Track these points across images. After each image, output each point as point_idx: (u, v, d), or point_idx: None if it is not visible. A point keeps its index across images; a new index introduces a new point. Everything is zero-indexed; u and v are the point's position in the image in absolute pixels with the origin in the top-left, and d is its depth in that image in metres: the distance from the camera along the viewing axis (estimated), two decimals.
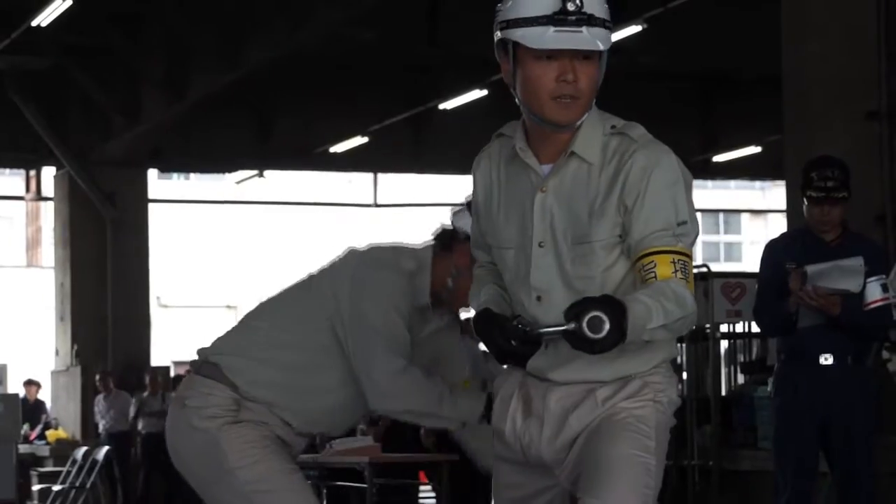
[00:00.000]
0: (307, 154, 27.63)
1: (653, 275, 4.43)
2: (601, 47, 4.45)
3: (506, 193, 4.72)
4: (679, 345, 13.45)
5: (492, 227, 4.76)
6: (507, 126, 4.78)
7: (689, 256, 4.50)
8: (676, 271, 4.43)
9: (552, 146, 4.60)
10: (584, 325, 4.22)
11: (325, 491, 13.96)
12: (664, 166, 4.52)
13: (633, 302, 4.32)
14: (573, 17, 4.38)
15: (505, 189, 4.73)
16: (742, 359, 15.57)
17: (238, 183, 30.74)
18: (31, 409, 25.99)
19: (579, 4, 4.39)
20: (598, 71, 4.53)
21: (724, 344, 15.39)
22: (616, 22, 4.66)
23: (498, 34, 4.55)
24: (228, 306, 42.58)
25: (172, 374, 26.19)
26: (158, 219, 28.02)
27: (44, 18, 19.90)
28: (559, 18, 4.38)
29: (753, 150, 28.04)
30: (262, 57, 21.22)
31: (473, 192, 4.88)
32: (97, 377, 24.85)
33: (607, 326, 4.21)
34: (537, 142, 4.62)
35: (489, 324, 4.54)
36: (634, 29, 19.91)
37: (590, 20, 4.41)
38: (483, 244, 4.87)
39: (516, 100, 4.62)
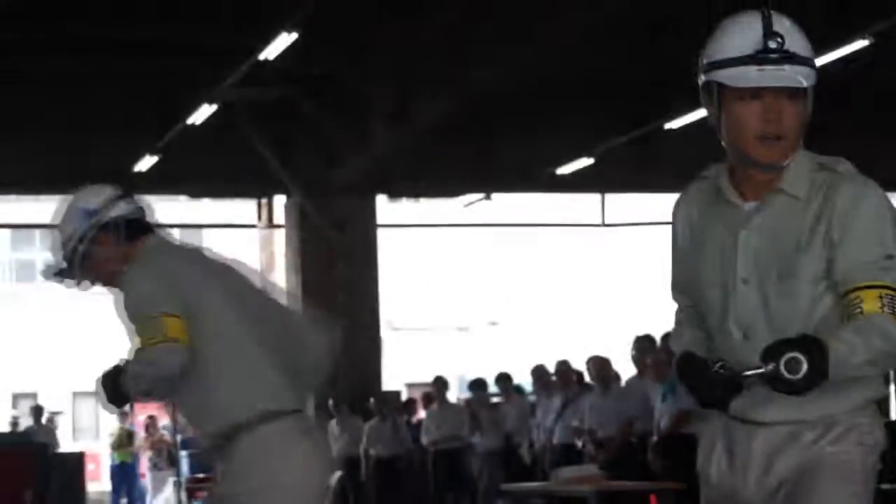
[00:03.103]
0: (532, 176, 27.71)
1: (859, 310, 4.36)
2: (804, 84, 4.45)
3: (708, 233, 4.72)
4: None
5: (694, 267, 4.76)
6: (709, 168, 4.81)
7: None
8: (884, 306, 4.36)
9: (757, 184, 4.60)
10: (782, 366, 4.19)
11: None
12: (871, 200, 4.48)
13: (835, 340, 4.27)
14: (775, 55, 4.40)
15: (707, 229, 4.73)
16: None
17: (465, 206, 30.85)
18: None
19: (781, 42, 4.40)
20: (803, 109, 4.52)
21: None
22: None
23: (702, 77, 4.62)
24: (459, 328, 42.80)
25: (404, 397, 26.38)
26: (387, 242, 28.24)
27: (270, 52, 20.15)
28: (761, 57, 4.41)
29: None
30: (486, 80, 21.29)
31: (673, 234, 4.90)
32: (330, 402, 25.11)
33: (805, 367, 4.18)
34: (742, 180, 4.63)
35: (691, 368, 4.51)
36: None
37: (792, 58, 4.42)
38: (685, 286, 4.87)
39: (722, 142, 4.63)
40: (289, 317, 7.02)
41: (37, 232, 41.77)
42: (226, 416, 6.47)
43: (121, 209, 6.76)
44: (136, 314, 6.45)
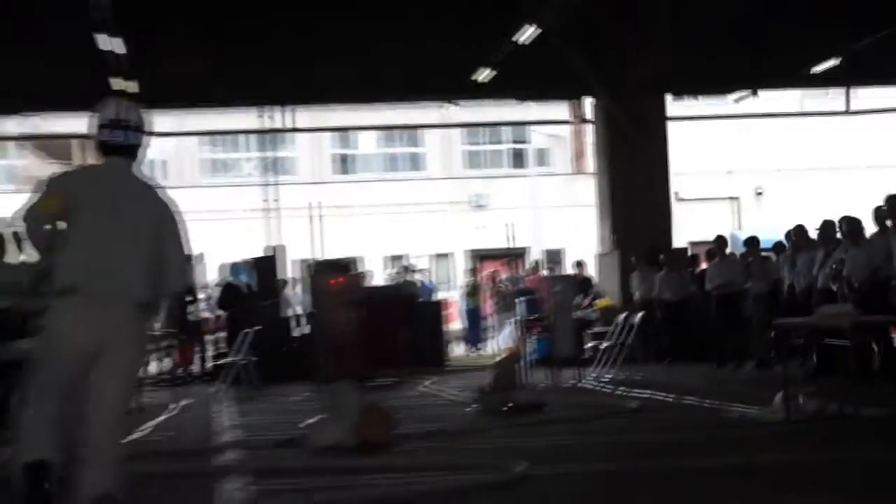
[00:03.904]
0: (795, 74, 27.17)
1: None
2: None
3: None
4: None
5: None
6: None
7: None
8: None
9: None
10: None
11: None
12: None
13: None
14: None
15: None
16: None
17: (735, 101, 30.28)
18: (581, 284, 26.38)
19: None
20: None
21: None
22: None
23: None
24: (731, 197, 42.31)
25: (689, 252, 26.19)
26: (674, 133, 27.96)
27: None
28: None
29: None
30: None
31: None
32: (631, 258, 25.07)
33: None
34: None
35: None
36: None
37: None
38: None
39: None
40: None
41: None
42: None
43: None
44: None
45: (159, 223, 7.07)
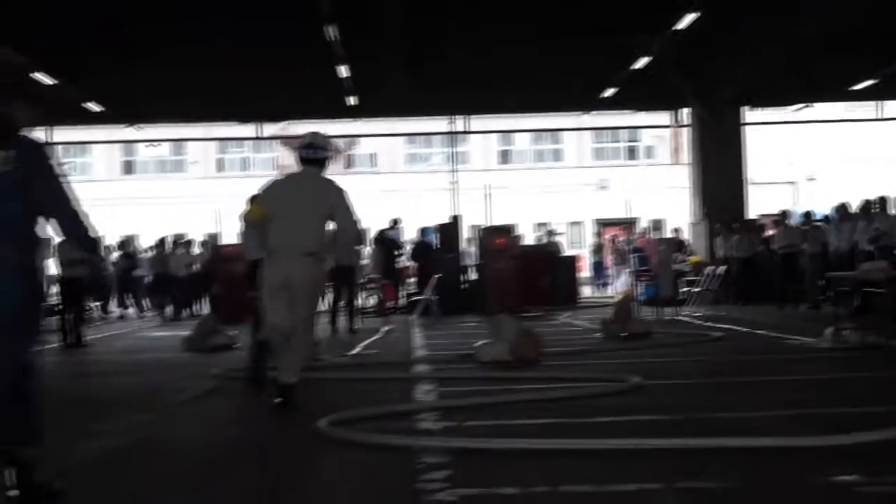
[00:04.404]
0: (840, 90, 26.20)
1: None
2: None
3: None
4: None
5: None
6: None
7: None
8: None
9: None
10: None
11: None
12: None
13: None
14: None
15: None
16: None
17: (795, 110, 29.26)
18: (678, 245, 25.95)
19: None
20: None
21: None
22: None
23: None
24: (790, 182, 41.18)
25: (758, 222, 25.56)
26: (749, 134, 27.28)
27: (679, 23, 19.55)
28: None
29: None
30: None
31: None
32: (716, 225, 24.54)
33: None
34: None
35: None
36: None
37: None
38: None
39: None
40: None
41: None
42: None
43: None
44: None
45: (335, 203, 7.90)
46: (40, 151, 4.69)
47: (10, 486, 4.60)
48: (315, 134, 8.28)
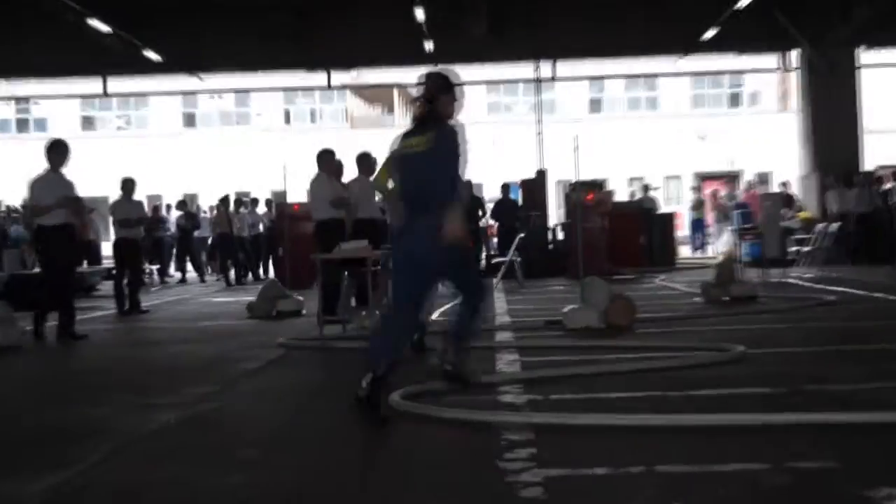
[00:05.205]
0: None
1: None
2: None
3: None
4: None
5: None
6: None
7: None
8: None
9: None
10: None
11: None
12: None
13: None
14: None
15: None
16: None
17: None
18: (786, 200, 25.56)
19: None
20: None
21: None
22: None
23: None
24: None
25: (876, 175, 25.10)
26: (866, 77, 26.75)
27: None
28: None
29: None
30: None
31: None
32: (828, 178, 24.19)
33: None
34: None
35: None
36: None
37: None
38: None
39: None
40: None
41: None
42: None
43: None
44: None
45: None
46: (453, 136, 6.53)
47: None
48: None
